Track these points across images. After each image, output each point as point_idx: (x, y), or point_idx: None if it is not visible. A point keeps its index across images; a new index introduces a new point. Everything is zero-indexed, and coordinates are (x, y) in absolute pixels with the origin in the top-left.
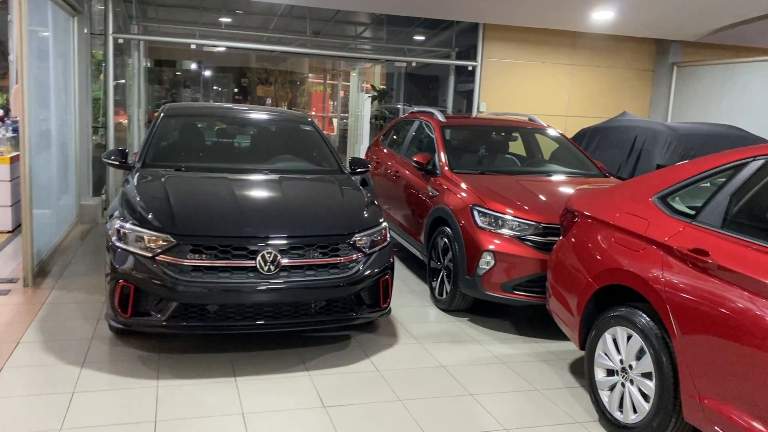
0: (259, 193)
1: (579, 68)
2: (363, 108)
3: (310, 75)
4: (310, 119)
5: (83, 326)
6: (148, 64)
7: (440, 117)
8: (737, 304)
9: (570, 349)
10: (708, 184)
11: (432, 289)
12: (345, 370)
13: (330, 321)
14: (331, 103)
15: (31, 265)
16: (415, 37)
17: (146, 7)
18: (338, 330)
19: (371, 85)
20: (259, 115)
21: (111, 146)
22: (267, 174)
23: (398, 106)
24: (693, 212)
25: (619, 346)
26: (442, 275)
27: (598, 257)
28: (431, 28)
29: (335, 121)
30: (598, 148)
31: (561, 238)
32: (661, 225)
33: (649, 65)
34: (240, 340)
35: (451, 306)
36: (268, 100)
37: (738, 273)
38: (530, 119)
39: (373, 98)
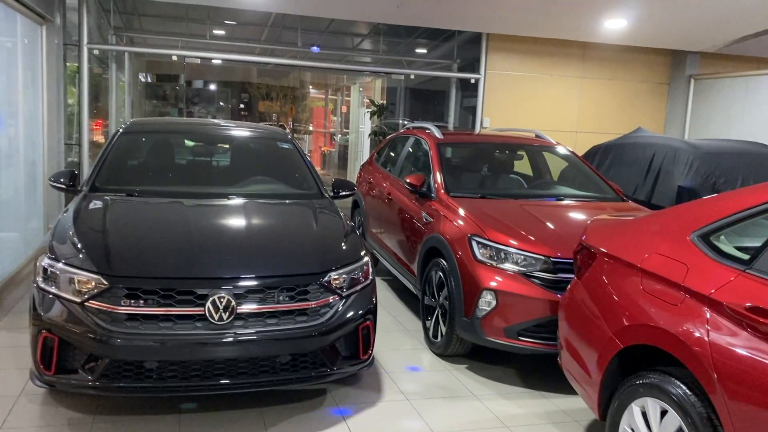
0: (217, 224)
1: (590, 81)
2: (364, 124)
3: (311, 90)
4: (289, 136)
5: (13, 379)
6: (149, 79)
7: (437, 134)
8: None
9: (586, 407)
10: (766, 221)
11: (426, 330)
12: None
13: (297, 379)
14: (333, 118)
15: None
16: (416, 50)
17: (130, 18)
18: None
19: (370, 100)
20: (232, 131)
21: (86, 165)
22: (232, 199)
23: (399, 121)
24: (746, 257)
25: (651, 422)
26: (437, 314)
27: (623, 308)
28: (432, 39)
29: (338, 137)
30: (611, 167)
31: (575, 278)
32: (705, 272)
33: (665, 78)
34: (190, 398)
35: (446, 351)
36: (274, 116)
37: None
38: (537, 136)
39: (372, 113)
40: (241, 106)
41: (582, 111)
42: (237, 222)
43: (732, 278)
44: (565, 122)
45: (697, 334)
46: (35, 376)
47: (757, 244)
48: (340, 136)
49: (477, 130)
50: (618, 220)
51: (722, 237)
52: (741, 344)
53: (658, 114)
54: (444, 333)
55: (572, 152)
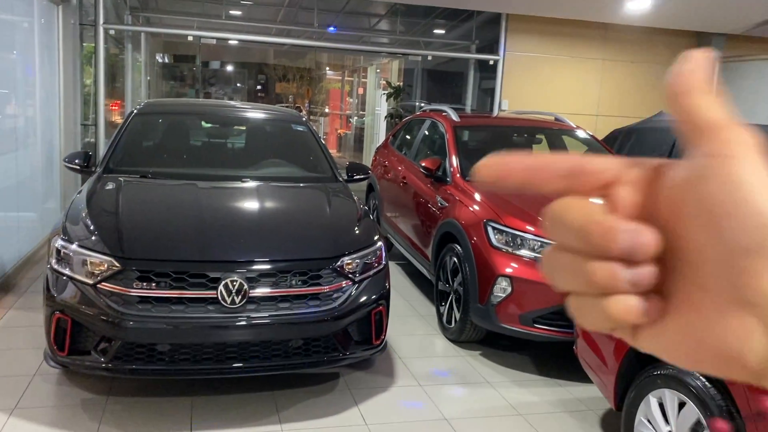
0: (230, 206)
1: (611, 63)
2: (380, 106)
3: (328, 71)
4: (304, 118)
5: (29, 359)
6: (166, 60)
7: (453, 116)
8: None
9: (602, 396)
10: None
11: (440, 315)
12: (327, 423)
13: (310, 363)
14: (349, 100)
15: None
16: (434, 30)
17: None
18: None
19: (387, 82)
20: (246, 113)
21: (101, 146)
22: (246, 182)
23: (416, 103)
24: None
25: (668, 414)
26: (451, 300)
27: None
28: (450, 20)
29: (354, 119)
30: (632, 151)
31: None
32: None
33: None
34: (202, 381)
35: (460, 337)
36: (290, 98)
37: None
38: (557, 119)
39: (389, 95)
40: (258, 87)
41: (603, 94)
42: (250, 205)
43: None
44: (585, 105)
45: None
46: (49, 356)
47: None
48: (356, 118)
49: (495, 112)
50: None
51: None
52: None
53: None
54: (458, 319)
55: (592, 136)
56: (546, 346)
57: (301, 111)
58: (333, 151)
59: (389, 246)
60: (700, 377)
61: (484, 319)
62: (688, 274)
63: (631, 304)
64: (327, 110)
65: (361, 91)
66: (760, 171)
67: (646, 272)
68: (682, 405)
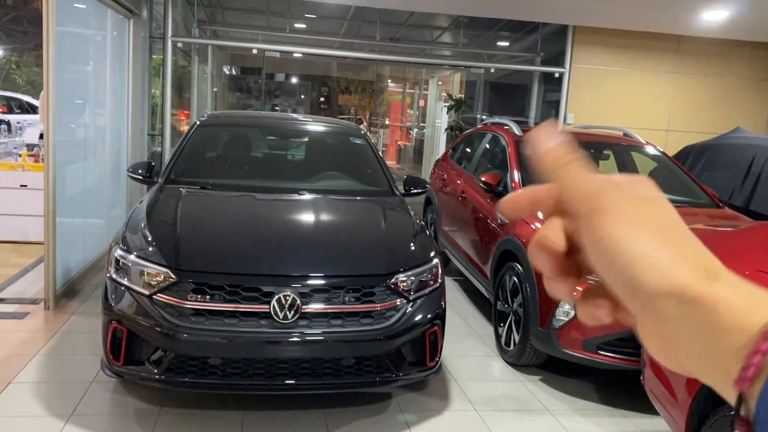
0: (286, 219)
1: (684, 77)
2: (441, 118)
3: (389, 84)
4: (362, 131)
5: (87, 364)
6: (233, 72)
7: (515, 130)
8: None
9: (669, 431)
10: None
11: (498, 336)
12: None
13: (361, 383)
14: (410, 112)
15: (53, 285)
16: (497, 42)
17: (214, 11)
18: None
19: (448, 94)
20: (306, 125)
21: (167, 156)
22: (303, 194)
23: (477, 116)
24: None
25: None
26: (511, 321)
27: None
28: (515, 32)
29: (414, 131)
30: (705, 169)
31: None
32: None
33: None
34: (253, 395)
35: (519, 360)
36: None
37: None
38: (625, 134)
39: (450, 108)
40: (321, 99)
41: (674, 108)
42: (306, 218)
43: None
44: (655, 120)
45: None
46: (105, 365)
47: None
48: (416, 130)
49: (560, 126)
50: (714, 230)
51: None
52: None
53: (759, 112)
54: (517, 341)
55: (663, 152)
56: (610, 374)
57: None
58: (392, 163)
59: (446, 262)
60: None
61: (544, 343)
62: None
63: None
64: (387, 122)
65: (422, 103)
66: (628, 223)
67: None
68: None
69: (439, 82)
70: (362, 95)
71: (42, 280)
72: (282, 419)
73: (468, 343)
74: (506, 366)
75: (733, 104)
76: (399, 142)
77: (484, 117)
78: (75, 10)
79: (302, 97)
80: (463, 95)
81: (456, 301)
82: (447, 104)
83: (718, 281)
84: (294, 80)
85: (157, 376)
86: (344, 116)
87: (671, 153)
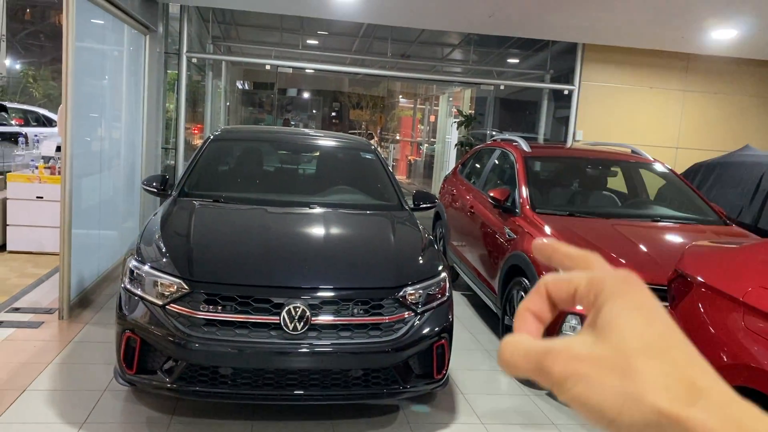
0: (297, 233)
1: (693, 94)
2: (451, 134)
3: (400, 99)
4: (372, 146)
5: (100, 373)
6: (246, 87)
7: (524, 147)
8: None
9: None
10: None
11: None
12: None
13: (369, 394)
14: (420, 128)
15: (68, 295)
16: (507, 59)
17: (228, 28)
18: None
19: (458, 110)
20: (317, 140)
21: (180, 169)
22: (313, 208)
23: (487, 132)
24: None
25: None
26: None
27: (721, 345)
28: (525, 49)
29: (424, 146)
30: (714, 187)
31: (668, 307)
32: None
33: None
34: (263, 405)
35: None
36: (363, 125)
37: None
38: (633, 151)
39: (460, 123)
40: (333, 114)
41: (683, 126)
42: (316, 231)
43: None
44: (665, 137)
45: None
46: (118, 374)
47: None
48: (426, 145)
49: (569, 143)
50: (719, 246)
51: None
52: None
53: None
54: None
55: (671, 170)
56: None
57: (373, 138)
58: (402, 178)
59: (455, 276)
60: None
61: None
62: None
63: None
64: (398, 137)
65: (432, 118)
66: (632, 312)
67: None
68: None
69: (450, 98)
70: (373, 110)
71: (57, 290)
72: (290, 429)
73: (476, 357)
74: (513, 380)
75: (743, 122)
76: (409, 157)
77: (494, 133)
78: (93, 25)
79: (314, 111)
80: (473, 111)
81: (464, 316)
82: (457, 120)
83: (697, 404)
84: (306, 95)
85: (168, 385)
86: (355, 131)
87: (680, 170)
